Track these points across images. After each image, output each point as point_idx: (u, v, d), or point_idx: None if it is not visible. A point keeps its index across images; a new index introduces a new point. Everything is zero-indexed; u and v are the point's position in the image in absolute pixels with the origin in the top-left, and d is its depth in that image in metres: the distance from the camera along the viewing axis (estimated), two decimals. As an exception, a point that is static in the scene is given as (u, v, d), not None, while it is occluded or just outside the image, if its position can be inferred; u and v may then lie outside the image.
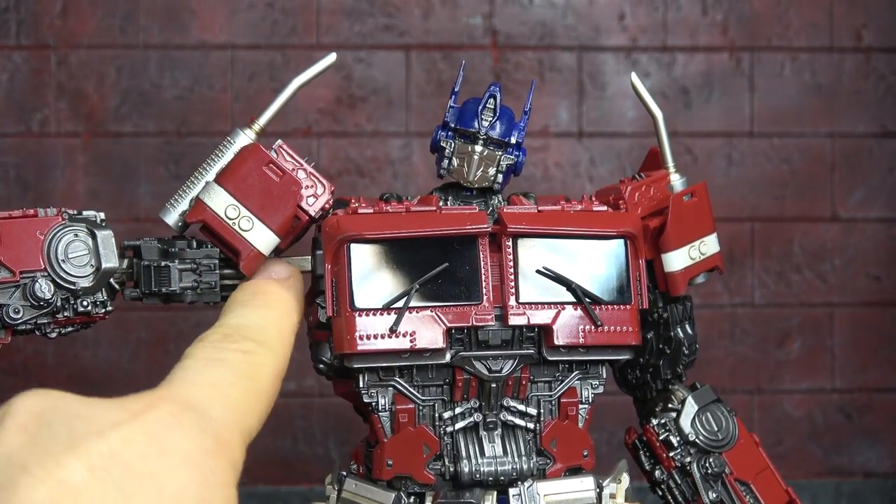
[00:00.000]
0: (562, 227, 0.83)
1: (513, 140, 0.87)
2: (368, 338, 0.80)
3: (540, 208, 0.85)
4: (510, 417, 0.85)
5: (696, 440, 0.94)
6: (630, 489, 0.88)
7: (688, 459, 0.94)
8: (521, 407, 0.85)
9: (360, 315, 0.80)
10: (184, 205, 0.85)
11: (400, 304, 0.80)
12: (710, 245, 0.94)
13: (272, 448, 1.74)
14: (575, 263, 0.83)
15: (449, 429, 0.84)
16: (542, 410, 0.86)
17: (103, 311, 0.84)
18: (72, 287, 0.82)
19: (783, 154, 1.75)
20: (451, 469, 0.84)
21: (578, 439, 0.87)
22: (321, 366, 0.86)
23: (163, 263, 0.84)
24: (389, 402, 0.84)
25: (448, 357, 0.82)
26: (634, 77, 0.93)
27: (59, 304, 0.82)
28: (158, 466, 0.53)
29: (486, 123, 0.87)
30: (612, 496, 0.86)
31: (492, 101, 0.87)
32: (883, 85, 1.76)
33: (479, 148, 0.87)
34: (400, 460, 0.84)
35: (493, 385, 0.83)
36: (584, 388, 0.87)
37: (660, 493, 0.95)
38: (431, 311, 0.80)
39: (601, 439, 1.67)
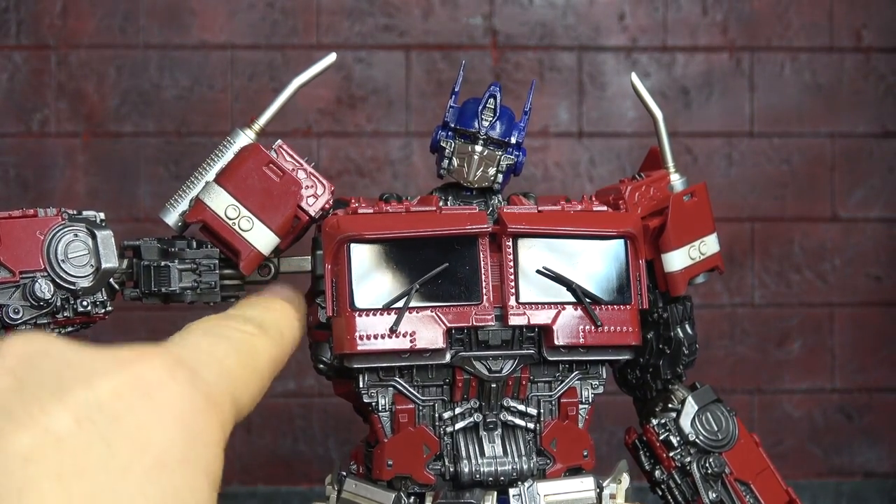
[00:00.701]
0: (562, 227, 0.83)
1: (513, 140, 0.87)
2: (368, 338, 0.80)
3: (540, 208, 0.85)
4: (510, 417, 0.85)
5: (697, 440, 0.94)
6: (630, 489, 0.88)
7: (688, 459, 0.94)
8: (521, 407, 0.85)
9: (359, 315, 0.80)
10: (184, 205, 0.85)
11: (400, 304, 0.80)
12: (710, 245, 0.94)
13: (272, 448, 1.74)
14: (575, 264, 0.83)
15: (449, 429, 0.84)
16: (542, 410, 0.86)
17: (103, 311, 0.84)
18: (71, 287, 0.81)
19: (783, 154, 1.75)
20: (451, 469, 0.84)
21: (578, 439, 0.87)
22: (321, 366, 0.86)
23: (162, 263, 0.84)
24: (389, 402, 0.84)
25: (448, 357, 0.82)
26: (634, 77, 0.93)
27: (58, 304, 0.81)
28: (146, 420, 0.52)
29: (486, 123, 0.87)
30: (613, 496, 0.86)
31: (492, 101, 0.87)
32: (883, 85, 1.76)
33: (479, 148, 0.87)
34: (400, 460, 0.84)
35: (493, 385, 0.83)
36: (584, 389, 0.87)
37: (660, 493, 0.95)
38: (431, 312, 0.80)
39: (601, 439, 1.67)
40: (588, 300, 0.82)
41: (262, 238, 0.83)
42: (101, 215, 0.85)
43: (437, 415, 0.84)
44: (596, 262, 0.84)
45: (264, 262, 0.86)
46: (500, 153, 0.87)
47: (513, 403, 0.85)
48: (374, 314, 0.80)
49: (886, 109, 1.76)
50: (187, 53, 1.68)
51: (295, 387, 1.71)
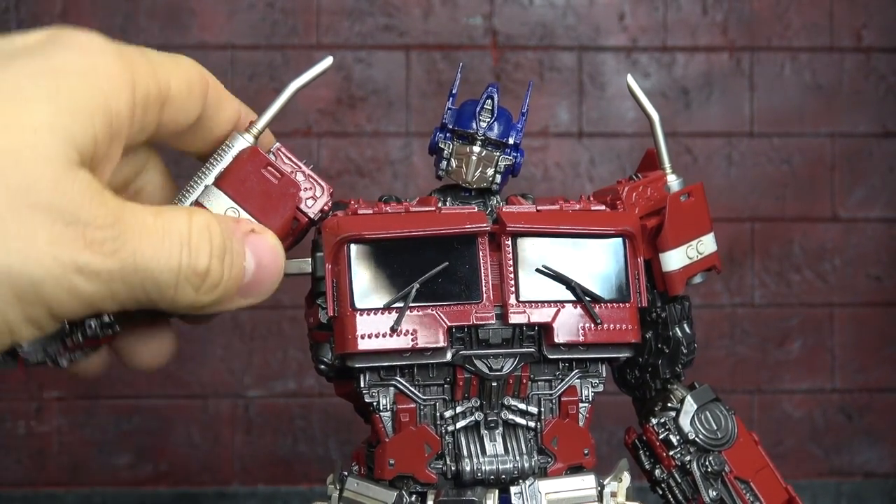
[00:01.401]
0: (560, 225, 0.84)
1: (510, 141, 0.88)
2: (370, 337, 0.80)
3: (539, 208, 0.85)
4: (511, 416, 0.85)
5: (696, 439, 0.94)
6: (631, 488, 0.88)
7: (688, 458, 0.94)
8: (522, 406, 0.85)
9: (360, 315, 0.80)
10: None
11: (400, 303, 0.80)
12: (707, 244, 0.94)
13: (272, 448, 1.74)
14: (574, 262, 0.84)
15: (450, 428, 0.84)
16: (542, 409, 0.86)
17: (110, 331, 0.82)
18: None
19: (783, 154, 1.76)
20: (453, 468, 0.84)
21: (579, 438, 0.87)
22: (322, 366, 0.86)
23: None
24: (390, 401, 0.84)
25: (449, 356, 0.82)
26: (630, 79, 0.94)
27: (67, 328, 0.80)
28: (54, 50, 0.59)
29: (483, 124, 0.87)
30: (614, 494, 0.86)
31: (489, 101, 0.88)
32: (883, 85, 1.76)
33: (476, 149, 0.87)
34: (402, 460, 0.84)
35: (494, 384, 0.84)
36: (584, 387, 0.87)
37: (660, 492, 0.95)
38: (432, 311, 0.81)
39: (601, 439, 1.67)
40: (587, 298, 0.82)
41: None
42: None
43: (438, 414, 0.84)
44: (594, 260, 0.84)
45: None
46: (498, 154, 0.87)
47: (514, 402, 0.85)
48: (375, 314, 0.80)
49: (886, 109, 1.76)
50: (187, 54, 1.67)
51: (295, 387, 1.72)
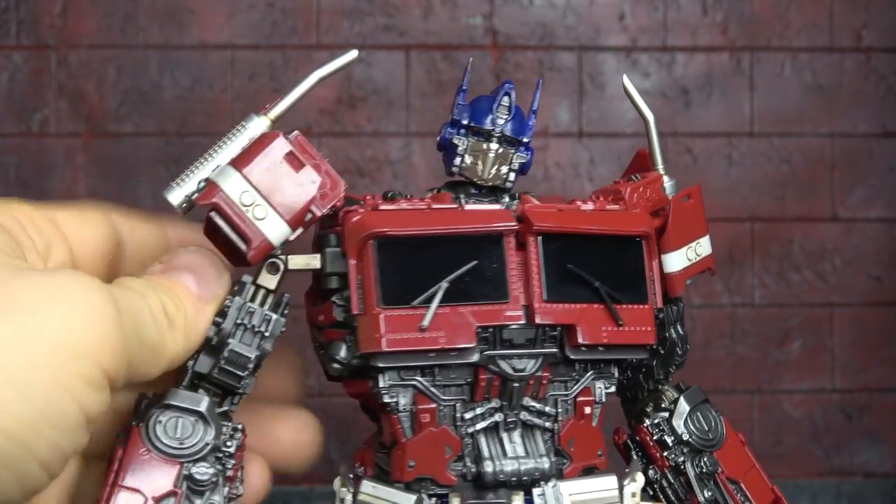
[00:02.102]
0: (584, 225, 0.83)
1: (524, 139, 0.88)
2: (396, 336, 0.79)
3: (559, 207, 0.85)
4: (529, 417, 0.84)
5: (690, 440, 0.95)
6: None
7: (681, 459, 0.94)
8: (540, 406, 0.85)
9: (387, 313, 0.79)
10: (191, 186, 0.82)
11: (428, 302, 0.79)
12: (704, 246, 0.95)
13: (272, 448, 1.74)
14: (595, 262, 0.83)
15: (470, 429, 0.83)
16: (559, 410, 0.85)
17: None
18: None
19: (783, 154, 1.75)
20: (473, 470, 0.83)
21: (593, 439, 0.87)
22: (336, 365, 0.84)
23: None
24: (409, 402, 0.82)
25: (476, 356, 0.81)
26: (626, 80, 0.94)
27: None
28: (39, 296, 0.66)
29: (500, 121, 0.87)
30: (634, 495, 0.86)
31: (506, 98, 0.87)
32: (883, 85, 1.76)
33: (494, 145, 0.87)
34: (422, 461, 0.82)
35: (517, 384, 0.82)
36: (598, 388, 0.87)
37: (651, 492, 0.96)
38: (460, 310, 0.79)
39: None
40: (610, 299, 0.82)
41: (275, 229, 0.81)
42: None
43: (457, 415, 0.83)
44: (615, 261, 0.84)
45: (273, 259, 0.84)
46: (513, 151, 0.87)
47: (532, 403, 0.84)
48: (403, 312, 0.79)
49: (886, 109, 1.76)
50: (187, 53, 1.68)
51: (295, 387, 1.71)
